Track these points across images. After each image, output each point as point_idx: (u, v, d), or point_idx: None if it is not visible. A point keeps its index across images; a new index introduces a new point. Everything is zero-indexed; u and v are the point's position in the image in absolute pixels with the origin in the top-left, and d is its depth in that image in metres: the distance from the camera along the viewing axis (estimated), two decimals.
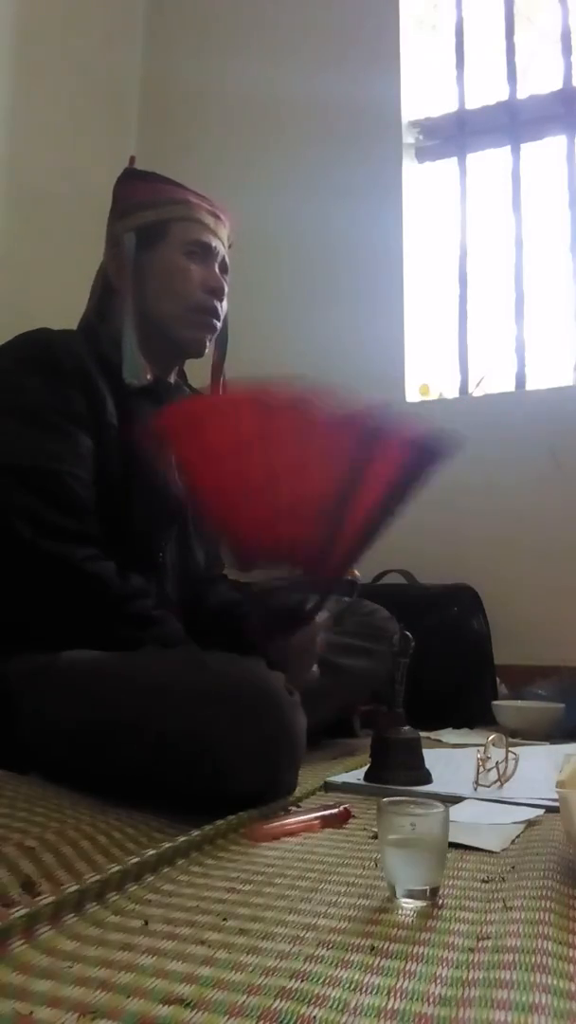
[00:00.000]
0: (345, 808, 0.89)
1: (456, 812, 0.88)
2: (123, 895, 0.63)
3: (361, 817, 0.89)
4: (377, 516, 0.88)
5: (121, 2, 2.62)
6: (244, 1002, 0.45)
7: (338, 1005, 0.45)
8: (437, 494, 2.11)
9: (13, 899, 0.58)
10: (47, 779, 0.94)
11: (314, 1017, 0.44)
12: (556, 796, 0.69)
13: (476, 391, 2.29)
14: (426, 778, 1.06)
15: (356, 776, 1.09)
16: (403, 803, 0.65)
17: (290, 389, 0.84)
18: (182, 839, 0.74)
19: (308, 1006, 0.45)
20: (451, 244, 2.38)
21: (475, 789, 1.01)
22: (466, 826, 0.83)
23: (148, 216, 1.26)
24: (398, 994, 0.46)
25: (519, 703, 1.72)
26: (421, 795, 0.96)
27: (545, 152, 2.32)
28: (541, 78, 2.36)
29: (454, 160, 2.40)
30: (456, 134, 2.38)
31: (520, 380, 2.22)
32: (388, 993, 0.46)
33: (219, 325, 1.29)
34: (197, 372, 1.41)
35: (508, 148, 2.32)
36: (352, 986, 0.47)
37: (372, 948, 0.53)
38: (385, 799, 0.65)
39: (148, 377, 1.22)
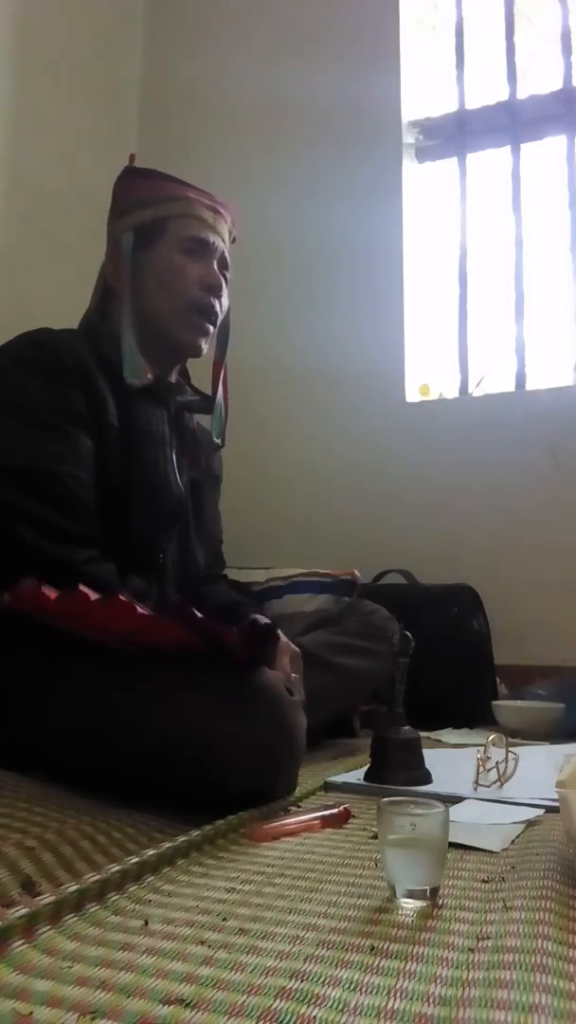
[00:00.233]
0: (345, 808, 0.89)
1: (456, 812, 0.88)
2: (123, 895, 0.63)
3: (361, 817, 0.89)
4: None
5: (121, 2, 2.62)
6: (244, 1002, 0.45)
7: (338, 1005, 0.45)
8: (437, 495, 2.14)
9: (13, 899, 0.58)
10: (47, 779, 0.94)
11: (314, 1017, 0.44)
12: (556, 796, 0.69)
13: (476, 391, 2.29)
14: (426, 778, 1.06)
15: (356, 776, 1.09)
16: (403, 803, 0.65)
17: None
18: (182, 839, 0.74)
19: (308, 1006, 0.45)
20: (451, 244, 2.38)
21: (475, 789, 1.01)
22: (466, 826, 0.83)
23: (146, 214, 1.25)
24: (398, 994, 0.46)
25: (519, 703, 1.72)
26: (421, 795, 0.96)
27: (545, 152, 2.32)
28: (541, 78, 2.36)
29: (454, 160, 2.40)
30: (456, 134, 2.38)
31: (520, 380, 2.21)
32: (388, 993, 0.46)
33: (212, 329, 1.29)
34: (199, 370, 1.41)
35: (508, 148, 2.32)
36: (352, 986, 0.47)
37: (372, 948, 0.53)
38: (385, 799, 0.65)
39: (149, 377, 1.21)
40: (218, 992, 0.46)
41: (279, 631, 1.02)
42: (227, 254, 1.31)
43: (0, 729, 1.03)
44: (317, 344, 2.33)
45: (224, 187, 1.32)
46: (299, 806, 0.94)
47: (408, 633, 1.13)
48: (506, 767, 1.03)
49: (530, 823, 0.88)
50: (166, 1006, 0.44)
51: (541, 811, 0.92)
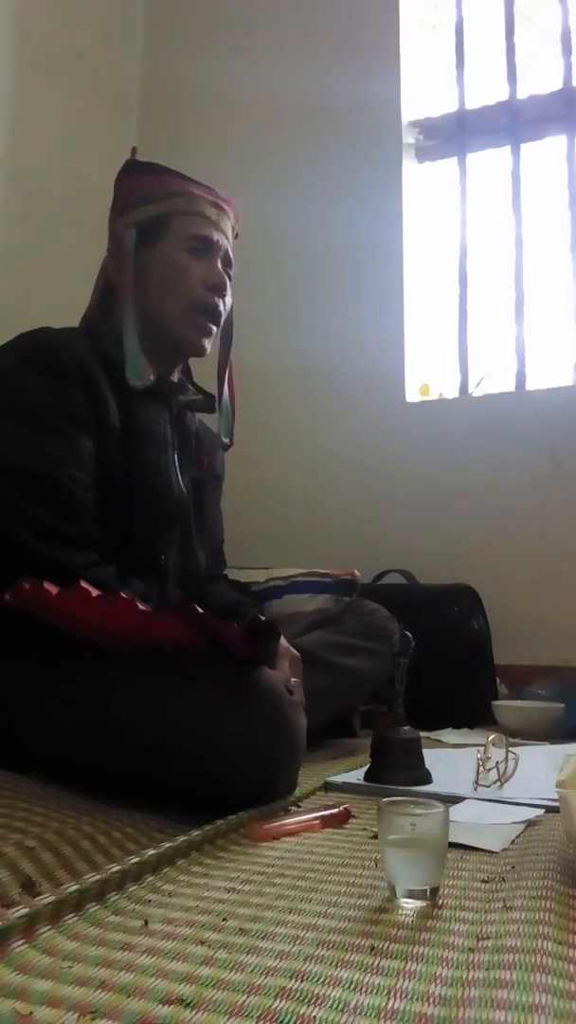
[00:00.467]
0: (345, 808, 0.89)
1: (456, 812, 0.88)
2: (123, 895, 0.63)
3: (361, 817, 0.89)
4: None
5: (121, 2, 2.62)
6: (244, 1002, 0.45)
7: (338, 1005, 0.45)
8: (437, 495, 2.14)
9: (13, 899, 0.58)
10: (47, 779, 0.94)
11: (314, 1017, 0.44)
12: (556, 796, 0.69)
13: (476, 391, 2.29)
14: (426, 778, 1.06)
15: (356, 776, 1.09)
16: (403, 803, 0.65)
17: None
18: (182, 839, 0.74)
19: (308, 1006, 0.45)
20: (451, 244, 2.38)
21: (475, 789, 1.01)
22: (466, 826, 0.83)
23: (148, 211, 1.24)
24: (398, 994, 0.46)
25: (519, 703, 1.72)
26: (421, 795, 0.96)
27: (545, 152, 2.32)
28: (541, 78, 2.36)
29: (454, 160, 2.39)
30: (456, 134, 2.38)
31: (520, 380, 2.21)
32: (388, 993, 0.46)
33: (216, 329, 1.28)
34: (201, 368, 1.40)
35: (508, 148, 2.32)
36: (352, 986, 0.47)
37: (372, 948, 0.53)
38: (385, 799, 0.65)
39: (151, 378, 1.20)
40: (218, 992, 0.46)
41: (279, 634, 1.02)
42: (231, 251, 1.29)
43: (1, 729, 1.03)
44: (317, 344, 2.33)
45: (224, 187, 1.32)
46: (299, 806, 0.94)
47: (408, 633, 1.13)
48: (506, 767, 1.03)
49: (530, 823, 0.88)
50: (166, 1006, 0.44)
51: (541, 811, 0.92)
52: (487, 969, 0.49)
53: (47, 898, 0.56)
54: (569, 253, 2.21)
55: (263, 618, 0.93)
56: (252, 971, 0.49)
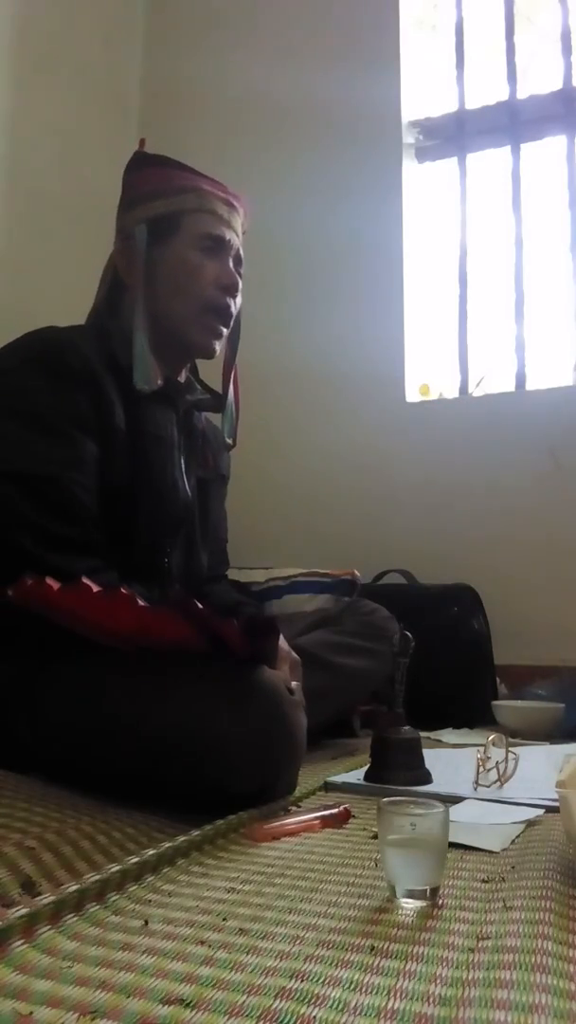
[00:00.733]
0: (345, 808, 0.89)
1: (456, 812, 0.88)
2: (123, 895, 0.63)
3: (361, 817, 0.89)
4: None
5: (121, 2, 2.62)
6: (244, 1002, 0.45)
7: (338, 1005, 0.45)
8: (437, 495, 2.14)
9: (13, 899, 0.58)
10: (47, 779, 0.94)
11: (314, 1017, 0.44)
12: (556, 796, 0.69)
13: (476, 391, 2.29)
14: (426, 778, 1.06)
15: (356, 776, 1.09)
16: (403, 803, 0.65)
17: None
18: (182, 839, 0.74)
19: (308, 1006, 0.45)
20: (451, 244, 2.38)
21: (475, 789, 1.01)
22: (466, 826, 0.83)
23: (159, 207, 1.21)
24: (398, 994, 0.46)
25: (519, 703, 1.72)
26: (421, 795, 0.96)
27: (545, 152, 2.32)
28: (541, 78, 2.36)
29: (454, 160, 2.39)
30: (456, 134, 2.38)
31: (520, 380, 2.21)
32: (388, 993, 0.46)
33: (226, 331, 1.26)
34: (206, 366, 1.40)
35: (508, 148, 2.32)
36: (352, 986, 0.47)
37: (372, 948, 0.53)
38: (385, 799, 0.65)
39: (159, 382, 1.18)
40: (218, 992, 0.46)
41: (279, 632, 1.02)
42: (241, 250, 1.27)
43: (0, 729, 1.03)
44: (317, 344, 2.33)
45: None
46: (299, 806, 0.94)
47: (408, 633, 1.13)
48: (506, 767, 1.03)
49: (530, 823, 0.88)
50: (166, 1006, 0.44)
51: (541, 811, 0.91)
52: (487, 969, 0.49)
53: (47, 898, 0.56)
54: (569, 253, 2.21)
55: (263, 615, 0.93)
56: (252, 971, 0.49)
